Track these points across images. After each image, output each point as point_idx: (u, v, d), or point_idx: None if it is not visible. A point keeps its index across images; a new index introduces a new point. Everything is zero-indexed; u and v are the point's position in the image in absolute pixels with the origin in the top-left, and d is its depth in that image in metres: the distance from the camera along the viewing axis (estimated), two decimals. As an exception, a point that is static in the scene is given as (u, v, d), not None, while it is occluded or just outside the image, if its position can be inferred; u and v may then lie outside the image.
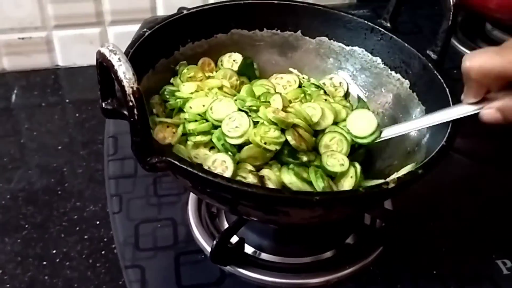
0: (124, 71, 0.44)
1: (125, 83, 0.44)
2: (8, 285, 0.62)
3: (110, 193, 0.67)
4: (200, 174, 0.46)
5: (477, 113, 0.52)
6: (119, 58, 0.44)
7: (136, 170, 0.70)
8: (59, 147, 0.80)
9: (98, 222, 0.69)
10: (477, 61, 0.49)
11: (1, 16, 0.89)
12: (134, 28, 0.93)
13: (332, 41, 0.67)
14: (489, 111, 0.50)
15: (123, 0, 0.92)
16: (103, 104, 0.50)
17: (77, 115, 0.86)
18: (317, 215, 0.50)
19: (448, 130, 0.52)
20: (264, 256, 0.61)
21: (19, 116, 0.85)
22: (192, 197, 0.65)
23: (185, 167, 0.47)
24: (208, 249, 0.59)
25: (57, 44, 0.93)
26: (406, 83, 0.62)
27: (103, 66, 0.46)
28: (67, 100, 0.89)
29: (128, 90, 0.44)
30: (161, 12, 0.95)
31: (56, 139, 0.81)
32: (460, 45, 0.92)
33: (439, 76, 0.58)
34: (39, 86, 0.91)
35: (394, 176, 0.54)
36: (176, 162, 0.47)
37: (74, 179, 0.75)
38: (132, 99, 0.44)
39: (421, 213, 0.66)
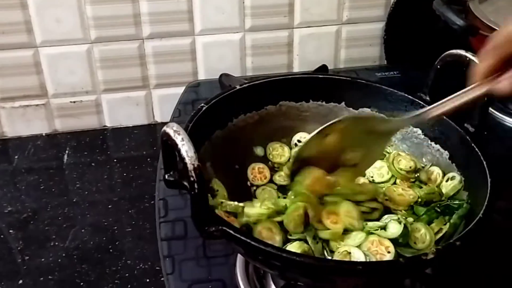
0: (186, 150, 0.49)
1: (187, 160, 0.49)
2: None
3: (163, 254, 0.70)
4: (252, 243, 0.50)
5: None
6: (182, 138, 0.49)
7: (186, 232, 0.73)
8: (109, 206, 0.84)
9: (148, 280, 0.72)
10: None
11: (56, 83, 0.94)
12: (177, 91, 0.98)
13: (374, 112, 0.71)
14: (504, 82, 0.51)
15: (167, 65, 0.97)
16: (166, 176, 0.55)
17: (124, 174, 0.90)
18: (361, 283, 0.53)
19: (485, 203, 0.54)
20: (310, 318, 0.63)
21: (70, 176, 0.90)
22: (239, 258, 0.69)
23: (239, 236, 0.51)
24: (258, 309, 0.63)
25: (105, 106, 0.99)
26: (446, 153, 0.66)
27: (167, 144, 0.51)
28: (114, 160, 0.94)
29: (190, 167, 0.49)
30: (202, 76, 1.00)
31: (106, 197, 0.86)
32: (498, 112, 0.93)
33: (476, 149, 0.60)
34: (88, 146, 0.96)
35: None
36: (231, 232, 0.51)
37: (124, 237, 0.79)
38: (193, 175, 0.49)
39: (461, 277, 0.67)
